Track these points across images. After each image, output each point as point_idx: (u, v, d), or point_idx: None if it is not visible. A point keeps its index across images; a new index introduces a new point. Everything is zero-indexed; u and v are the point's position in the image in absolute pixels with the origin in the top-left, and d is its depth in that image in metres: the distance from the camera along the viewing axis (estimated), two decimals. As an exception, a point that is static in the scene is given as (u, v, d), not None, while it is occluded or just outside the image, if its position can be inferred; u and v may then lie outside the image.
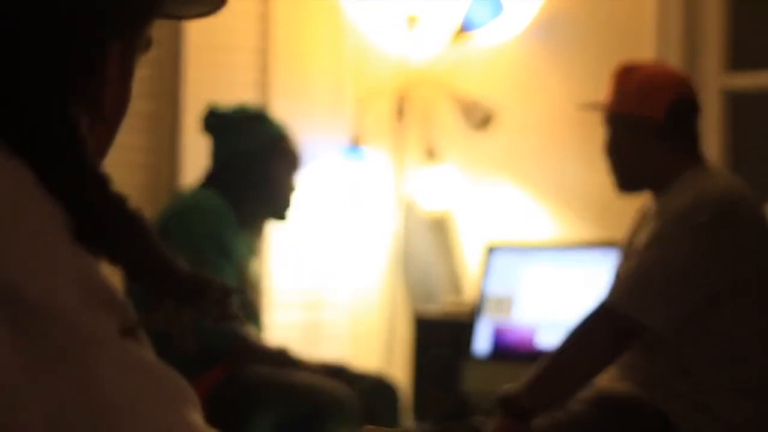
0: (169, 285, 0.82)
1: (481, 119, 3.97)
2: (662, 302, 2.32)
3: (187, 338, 0.81)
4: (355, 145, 4.10)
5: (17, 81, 0.79)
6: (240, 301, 0.84)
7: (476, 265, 3.99)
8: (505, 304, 3.71)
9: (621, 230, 2.69)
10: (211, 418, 0.78)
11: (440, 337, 3.87)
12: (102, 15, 0.83)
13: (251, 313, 2.98)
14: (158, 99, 3.62)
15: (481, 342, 3.68)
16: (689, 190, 2.39)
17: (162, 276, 0.82)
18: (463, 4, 4.04)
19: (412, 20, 4.12)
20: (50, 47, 0.80)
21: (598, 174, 2.81)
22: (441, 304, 4.04)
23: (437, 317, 3.95)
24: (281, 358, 2.91)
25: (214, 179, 3.01)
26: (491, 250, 3.87)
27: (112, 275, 0.79)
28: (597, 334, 2.33)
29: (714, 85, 3.76)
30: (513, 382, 2.31)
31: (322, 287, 4.09)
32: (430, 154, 4.11)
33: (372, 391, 3.05)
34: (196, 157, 3.37)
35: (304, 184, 3.76)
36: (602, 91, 2.60)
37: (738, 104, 3.83)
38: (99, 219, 0.79)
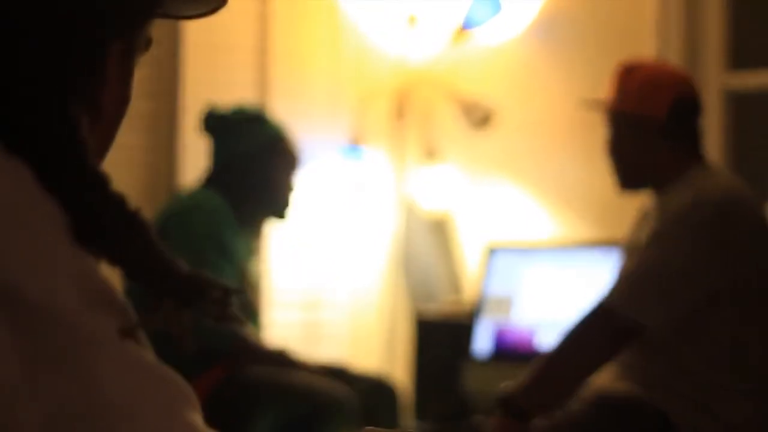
0: (168, 285, 0.82)
1: (481, 119, 3.97)
2: (661, 302, 2.32)
3: (186, 339, 0.81)
4: (354, 144, 4.10)
5: (17, 81, 0.79)
6: (240, 301, 0.84)
7: (476, 265, 3.99)
8: (505, 304, 3.71)
9: (621, 230, 2.69)
10: (210, 419, 0.78)
11: (440, 337, 3.87)
12: (102, 15, 0.83)
13: (251, 313, 2.98)
14: (157, 98, 3.62)
15: (482, 342, 3.68)
16: (690, 189, 2.38)
17: (161, 276, 0.82)
18: (463, 4, 4.04)
19: (411, 20, 4.12)
20: (50, 47, 0.80)
21: (599, 174, 2.81)
22: (441, 305, 4.04)
23: (437, 317, 3.94)
24: (281, 358, 2.91)
25: (213, 180, 3.02)
26: (491, 251, 3.86)
27: (112, 275, 0.79)
28: (595, 333, 2.33)
29: (714, 84, 3.76)
30: (513, 381, 2.31)
31: (321, 287, 4.09)
32: (430, 153, 4.11)
33: (372, 391, 3.05)
34: (195, 157, 3.37)
35: (304, 184, 3.75)
36: (602, 90, 2.60)
37: (739, 104, 3.83)
38: (99, 219, 0.79)
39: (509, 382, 2.31)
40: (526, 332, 3.63)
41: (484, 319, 3.72)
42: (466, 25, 4.05)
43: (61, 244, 0.74)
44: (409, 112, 4.17)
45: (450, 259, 4.15)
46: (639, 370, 2.41)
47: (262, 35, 3.90)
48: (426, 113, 4.16)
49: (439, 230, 4.19)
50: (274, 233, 3.68)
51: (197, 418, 0.75)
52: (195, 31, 3.61)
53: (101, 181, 0.80)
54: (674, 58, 3.67)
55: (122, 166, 3.39)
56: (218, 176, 3.01)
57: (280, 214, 3.06)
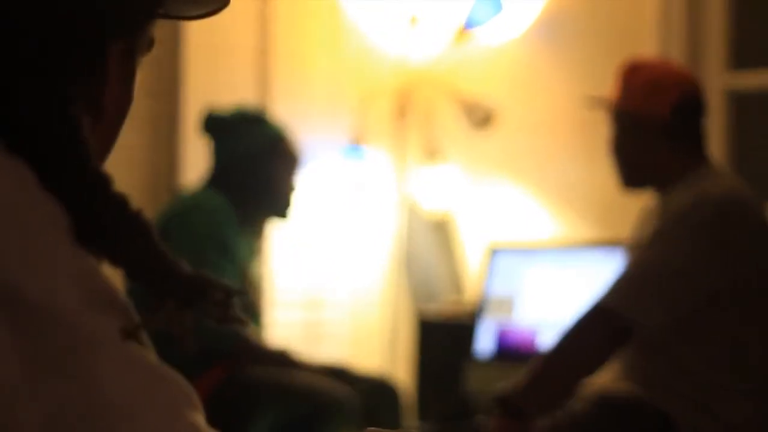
0: (170, 285, 0.82)
1: (482, 119, 3.96)
2: (660, 302, 2.31)
3: (188, 339, 0.81)
4: (356, 144, 4.10)
5: (18, 81, 0.79)
6: (241, 302, 0.84)
7: (478, 265, 3.99)
8: (507, 304, 3.71)
9: (623, 230, 2.69)
10: (211, 419, 0.78)
11: (442, 337, 3.87)
12: (102, 15, 0.83)
13: (252, 313, 2.98)
14: (158, 98, 3.62)
15: (484, 342, 3.68)
16: (691, 189, 2.38)
17: (163, 276, 0.82)
18: (464, 4, 4.03)
19: (413, 20, 4.12)
20: (50, 47, 0.80)
21: (600, 173, 2.81)
22: (443, 305, 4.04)
23: (439, 318, 3.94)
24: (282, 358, 2.90)
25: (215, 180, 3.02)
26: (493, 251, 3.86)
27: (113, 275, 0.79)
28: (593, 333, 2.32)
29: (716, 84, 3.76)
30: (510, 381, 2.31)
31: (323, 287, 4.09)
32: (432, 154, 4.11)
33: (373, 392, 3.05)
34: (196, 157, 3.37)
35: (306, 184, 3.75)
36: (604, 90, 2.59)
37: (739, 104, 3.82)
38: (100, 219, 0.79)
39: (506, 383, 2.30)
40: (528, 332, 3.63)
41: (485, 319, 3.71)
42: (468, 25, 4.05)
43: (61, 244, 0.74)
44: (410, 112, 4.16)
45: (451, 259, 4.15)
46: (639, 370, 2.41)
47: (263, 35, 3.90)
48: (427, 113, 4.16)
49: (441, 230, 4.19)
50: (275, 233, 3.68)
51: (199, 418, 0.75)
52: (196, 32, 3.61)
53: (102, 181, 0.80)
54: (675, 58, 3.67)
55: (123, 166, 3.39)
56: (219, 177, 3.01)
57: (281, 214, 3.06)
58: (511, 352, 3.63)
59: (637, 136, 2.50)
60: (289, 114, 3.65)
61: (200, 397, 0.77)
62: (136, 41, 0.88)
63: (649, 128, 2.48)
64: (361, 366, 3.44)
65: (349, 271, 4.20)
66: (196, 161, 3.36)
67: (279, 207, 3.05)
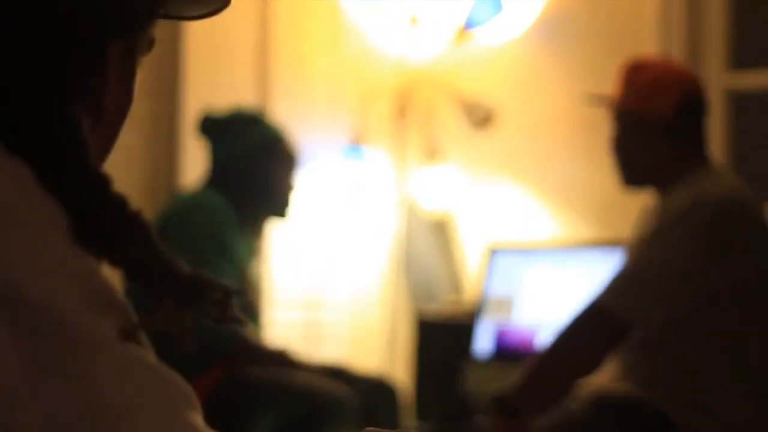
0: (169, 285, 0.82)
1: (482, 119, 3.96)
2: (657, 302, 2.31)
3: (187, 339, 0.81)
4: (355, 144, 4.10)
5: (18, 81, 0.79)
6: (240, 302, 0.84)
7: (477, 265, 3.99)
8: (506, 304, 3.71)
9: (623, 229, 2.69)
10: (210, 419, 0.78)
11: (441, 337, 3.87)
12: (102, 15, 0.83)
13: (251, 313, 2.98)
14: (158, 98, 3.62)
15: (483, 342, 3.68)
16: (691, 189, 2.38)
17: (162, 276, 0.82)
18: (464, 4, 4.03)
19: (413, 20, 4.12)
20: (50, 47, 0.80)
21: (600, 173, 2.81)
22: (442, 305, 4.04)
23: (438, 318, 3.94)
24: (281, 358, 2.91)
25: (213, 180, 3.02)
26: (492, 251, 3.86)
27: (112, 276, 0.79)
28: (589, 333, 2.31)
29: (716, 84, 3.76)
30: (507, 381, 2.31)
31: (322, 287, 4.09)
32: (431, 154, 4.11)
33: (372, 392, 3.05)
34: (195, 157, 3.37)
35: (305, 184, 3.76)
36: (604, 90, 2.59)
37: (739, 104, 3.82)
38: (99, 219, 0.79)
39: (503, 383, 2.30)
40: (527, 332, 3.63)
41: (484, 319, 3.71)
42: (468, 25, 4.05)
43: (61, 245, 0.74)
44: (410, 112, 4.16)
45: (451, 260, 4.15)
46: (639, 370, 2.41)
47: (263, 35, 3.90)
48: (427, 113, 4.16)
49: (440, 230, 4.19)
50: (275, 233, 3.68)
51: (197, 419, 0.75)
52: (196, 32, 3.61)
53: (102, 182, 0.80)
54: (676, 58, 3.67)
55: (122, 166, 3.39)
56: (218, 177, 3.02)
57: (280, 213, 3.07)
58: (510, 352, 3.63)
59: (638, 135, 2.50)
60: (289, 114, 3.65)
61: (199, 397, 0.77)
62: (136, 41, 0.88)
63: (651, 127, 2.48)
64: (360, 366, 3.44)
65: (349, 271, 4.20)
66: (195, 161, 3.36)
67: (278, 207, 3.05)
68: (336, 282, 4.14)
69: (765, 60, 3.84)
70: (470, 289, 4.02)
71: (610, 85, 2.56)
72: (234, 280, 2.81)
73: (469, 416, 3.21)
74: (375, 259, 4.25)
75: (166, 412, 0.73)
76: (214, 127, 3.03)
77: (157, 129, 3.65)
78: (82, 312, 0.72)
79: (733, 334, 2.35)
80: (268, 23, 3.91)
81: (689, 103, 2.49)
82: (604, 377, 2.42)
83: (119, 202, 0.81)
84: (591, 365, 2.32)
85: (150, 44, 0.90)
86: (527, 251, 3.87)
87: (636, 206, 2.70)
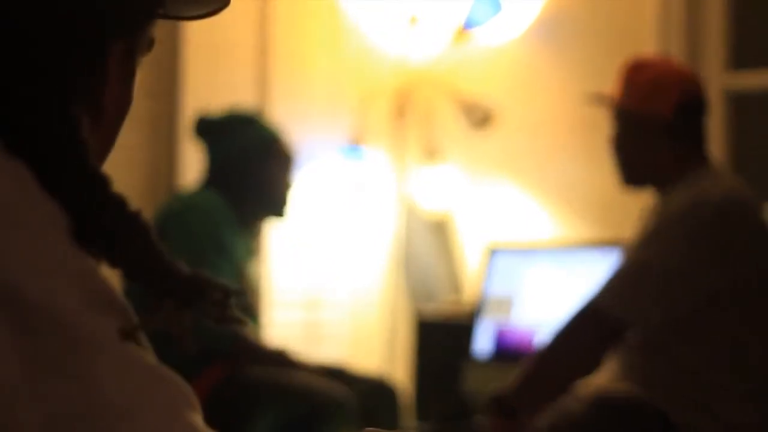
0: (168, 285, 0.82)
1: (481, 119, 3.96)
2: (655, 302, 2.31)
3: (186, 339, 0.81)
4: (355, 144, 4.10)
5: (18, 81, 0.79)
6: (240, 302, 0.84)
7: (477, 265, 3.99)
8: (505, 304, 3.71)
9: (623, 230, 2.69)
10: (210, 419, 0.78)
11: (441, 337, 3.87)
12: (102, 15, 0.83)
13: (250, 313, 2.98)
14: (157, 98, 3.62)
15: (482, 342, 3.68)
16: (691, 190, 2.38)
17: (161, 276, 0.82)
18: (464, 4, 4.03)
19: (412, 20, 4.12)
20: (50, 47, 0.80)
21: (600, 173, 2.81)
22: (441, 305, 4.04)
23: (438, 318, 3.94)
24: (280, 358, 2.91)
25: (211, 180, 3.02)
26: (492, 251, 3.86)
27: (112, 276, 0.79)
28: (585, 333, 2.31)
29: (716, 84, 3.76)
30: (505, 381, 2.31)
31: (322, 287, 4.09)
32: (431, 154, 4.11)
33: (372, 392, 3.05)
34: (195, 157, 3.37)
35: (304, 184, 3.76)
36: (604, 90, 2.59)
37: (739, 104, 3.82)
38: (99, 219, 0.79)
39: (500, 383, 2.30)
40: (527, 333, 3.63)
41: (484, 319, 3.71)
42: (467, 26, 4.05)
43: (61, 245, 0.74)
44: (409, 112, 4.16)
45: (450, 260, 4.15)
46: (639, 370, 2.40)
47: (263, 35, 3.90)
48: (426, 113, 4.16)
49: (440, 230, 4.19)
50: (274, 233, 3.68)
51: (197, 419, 0.75)
52: (195, 32, 3.61)
53: (101, 182, 0.80)
54: (675, 58, 3.67)
55: (122, 166, 3.39)
56: (216, 178, 3.02)
57: (278, 213, 3.07)
58: (509, 352, 3.62)
59: (638, 134, 2.50)
60: (288, 114, 3.65)
61: (199, 397, 0.77)
62: (136, 41, 0.88)
63: (651, 127, 2.48)
64: (360, 366, 3.44)
65: (349, 271, 4.20)
66: (195, 161, 3.36)
67: (275, 206, 3.06)
68: (336, 282, 4.14)
69: (765, 60, 3.84)
70: (470, 289, 4.02)
71: (610, 84, 2.56)
72: (233, 279, 2.82)
73: (469, 416, 3.21)
74: (375, 259, 4.25)
75: (166, 412, 0.73)
76: (209, 129, 3.04)
77: (157, 129, 3.65)
78: (82, 312, 0.72)
79: (733, 334, 2.35)
80: (268, 23, 3.91)
81: (689, 102, 2.48)
82: (604, 377, 2.42)
83: (119, 202, 0.81)
84: (588, 365, 2.32)
85: (150, 44, 0.90)
86: (527, 251, 3.87)
87: (636, 206, 2.70)
